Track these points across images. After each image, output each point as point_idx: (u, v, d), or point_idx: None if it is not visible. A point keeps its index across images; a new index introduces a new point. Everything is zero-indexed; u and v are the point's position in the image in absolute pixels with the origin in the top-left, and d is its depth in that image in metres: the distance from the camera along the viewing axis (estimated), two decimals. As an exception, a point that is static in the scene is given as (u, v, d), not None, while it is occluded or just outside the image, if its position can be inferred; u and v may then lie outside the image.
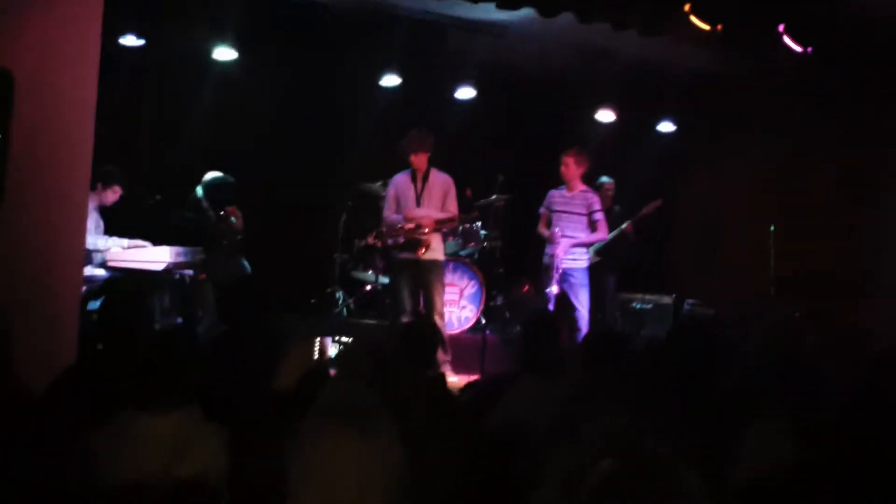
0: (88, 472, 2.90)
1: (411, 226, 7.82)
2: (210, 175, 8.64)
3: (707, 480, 1.49)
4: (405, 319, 7.72)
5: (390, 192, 8.12)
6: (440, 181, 7.95)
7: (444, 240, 8.36)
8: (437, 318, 7.78)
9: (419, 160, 7.88)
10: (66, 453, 2.92)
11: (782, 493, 2.52)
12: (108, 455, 2.93)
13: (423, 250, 7.77)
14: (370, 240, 8.25)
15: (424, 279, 7.86)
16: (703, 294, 9.89)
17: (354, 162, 10.51)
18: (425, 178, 7.94)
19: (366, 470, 1.95)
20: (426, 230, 7.79)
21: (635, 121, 10.60)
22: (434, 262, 7.90)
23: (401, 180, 8.04)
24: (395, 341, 4.21)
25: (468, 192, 9.07)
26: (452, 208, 7.98)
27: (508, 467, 2.44)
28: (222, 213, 8.39)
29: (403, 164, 8.13)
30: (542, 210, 8.63)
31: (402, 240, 7.87)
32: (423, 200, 7.90)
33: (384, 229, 7.99)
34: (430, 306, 7.85)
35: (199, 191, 8.53)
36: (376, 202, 9.95)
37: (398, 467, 2.00)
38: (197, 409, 3.11)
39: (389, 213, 8.04)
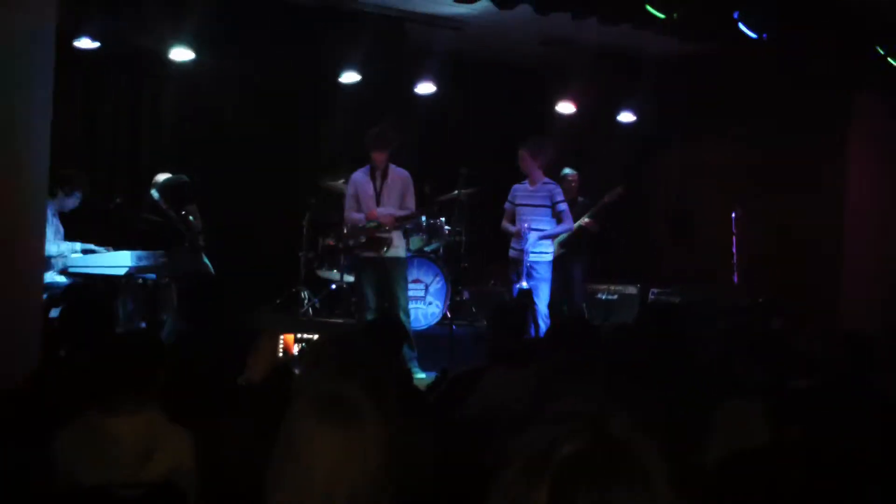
0: (55, 476, 2.86)
1: (372, 225, 7.82)
2: (161, 176, 8.51)
3: (675, 460, 1.48)
4: (370, 317, 7.70)
5: (350, 190, 8.11)
6: (399, 178, 7.95)
7: (406, 236, 8.35)
8: (402, 316, 7.76)
9: (379, 157, 7.87)
10: (31, 458, 2.87)
11: (754, 471, 2.53)
12: (74, 458, 2.90)
13: (385, 249, 7.77)
14: (330, 242, 8.22)
15: (388, 276, 7.86)
16: (669, 282, 9.94)
17: (317, 160, 10.46)
18: (384, 175, 7.93)
19: (345, 460, 1.93)
20: (387, 228, 7.79)
21: (598, 110, 10.63)
22: (396, 259, 7.91)
23: (360, 178, 8.03)
24: (361, 336, 4.19)
25: (427, 189, 9.07)
26: (411, 204, 8.01)
27: (482, 455, 2.44)
28: (183, 212, 8.29)
29: (363, 162, 8.11)
30: (506, 205, 8.63)
31: (363, 239, 7.87)
32: (382, 198, 7.90)
33: (345, 230, 7.98)
34: (394, 303, 7.84)
35: (155, 193, 8.40)
36: (339, 200, 9.90)
37: (379, 458, 1.98)
38: (160, 410, 3.08)
39: (350, 212, 8.03)
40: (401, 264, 7.99)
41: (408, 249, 8.55)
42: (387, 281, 7.87)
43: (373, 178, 7.96)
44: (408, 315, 8.00)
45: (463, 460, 2.75)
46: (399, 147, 8.04)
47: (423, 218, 9.09)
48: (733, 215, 9.36)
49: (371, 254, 7.86)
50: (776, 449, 2.74)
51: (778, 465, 2.62)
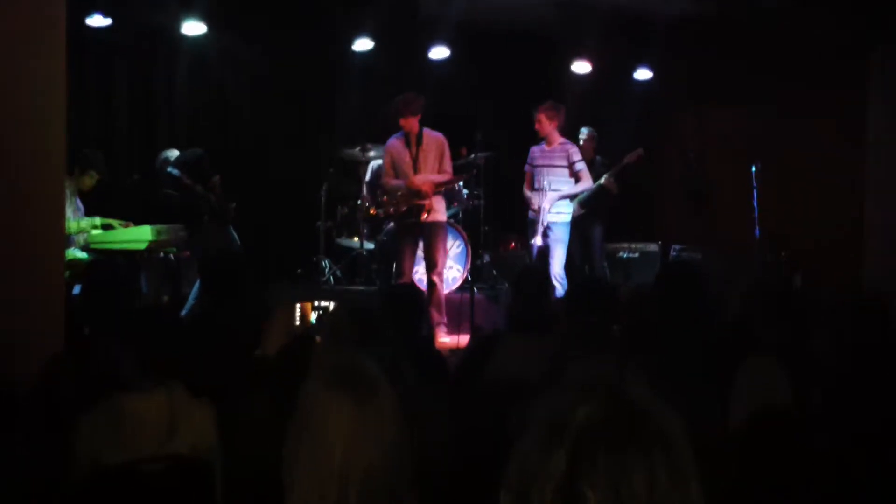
0: (81, 455, 2.89)
1: (412, 192, 7.81)
2: (172, 153, 8.50)
3: (696, 422, 1.48)
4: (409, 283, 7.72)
5: (385, 158, 8.10)
6: (434, 142, 7.92)
7: (455, 203, 8.34)
8: (435, 278, 7.81)
9: (409, 123, 7.83)
10: (57, 438, 2.90)
11: (777, 430, 2.52)
12: (99, 437, 2.92)
13: (426, 215, 7.77)
14: (372, 211, 8.21)
15: (427, 240, 7.89)
16: (689, 239, 9.90)
17: (332, 130, 10.44)
18: (419, 140, 7.89)
19: (362, 432, 1.94)
20: (429, 194, 7.77)
21: (614, 70, 10.55)
22: (437, 224, 7.92)
23: (395, 145, 8.00)
24: (380, 304, 4.20)
25: (463, 152, 9.05)
26: (448, 167, 7.99)
27: (502, 425, 2.43)
28: (209, 185, 8.28)
29: (382, 128, 8.08)
30: (526, 167, 8.62)
31: (404, 208, 7.86)
32: (419, 164, 7.87)
33: (385, 198, 7.97)
34: (430, 266, 7.87)
35: (174, 170, 8.40)
36: (357, 168, 9.91)
37: (395, 430, 1.98)
38: (182, 385, 3.10)
39: (388, 180, 8.02)
40: (441, 228, 8.00)
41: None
42: (426, 244, 7.90)
43: (408, 144, 7.93)
44: (441, 278, 8.01)
45: (482, 429, 2.75)
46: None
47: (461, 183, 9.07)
48: (753, 169, 9.27)
49: (412, 220, 7.86)
50: (799, 408, 2.74)
51: (801, 424, 2.61)
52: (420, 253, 8.03)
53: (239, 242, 8.33)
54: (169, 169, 8.34)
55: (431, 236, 7.86)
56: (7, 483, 2.73)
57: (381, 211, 8.16)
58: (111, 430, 2.94)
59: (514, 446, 1.41)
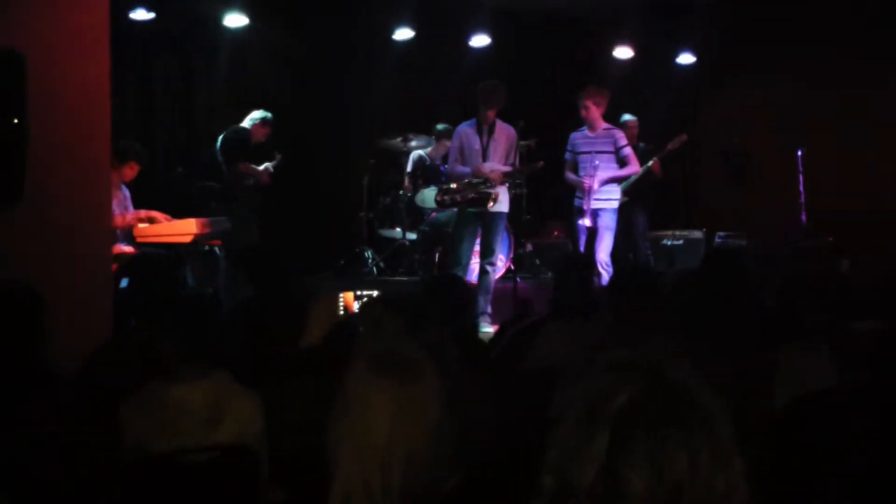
0: (123, 446, 2.93)
1: (478, 180, 7.83)
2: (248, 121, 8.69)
3: (740, 405, 1.47)
4: (461, 272, 7.74)
5: (454, 143, 8.12)
6: (505, 133, 7.94)
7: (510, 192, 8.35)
8: (488, 266, 7.85)
9: (489, 114, 7.85)
10: (105, 426, 2.95)
11: (822, 414, 2.50)
12: (143, 428, 2.96)
13: (492, 204, 7.79)
14: (438, 197, 8.22)
15: (487, 229, 7.91)
16: (734, 226, 9.80)
17: (373, 120, 10.46)
18: (491, 130, 7.91)
19: (404, 418, 1.95)
20: (494, 183, 7.79)
21: (654, 55, 10.46)
22: (500, 214, 7.94)
23: (466, 131, 8.02)
24: (424, 293, 4.21)
25: (532, 144, 9.06)
26: (515, 161, 8.00)
27: (543, 410, 2.43)
28: (235, 169, 8.35)
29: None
30: (566, 155, 8.57)
31: (471, 194, 7.89)
32: (488, 153, 7.90)
33: (454, 185, 8.00)
34: (488, 253, 7.90)
35: (219, 154, 8.50)
36: (397, 158, 9.93)
37: (438, 415, 1.99)
38: (227, 374, 3.13)
39: (454, 165, 8.05)
40: (502, 219, 8.01)
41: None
42: (486, 233, 7.92)
43: (479, 132, 7.95)
44: (494, 267, 8.04)
45: (524, 415, 2.75)
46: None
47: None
48: (799, 153, 9.16)
49: (477, 208, 7.89)
50: (843, 392, 2.71)
51: (845, 408, 2.58)
52: (477, 241, 8.06)
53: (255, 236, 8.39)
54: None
55: (493, 225, 7.89)
56: (56, 469, 2.77)
57: (447, 197, 8.15)
58: (157, 419, 2.98)
59: (554, 430, 1.41)
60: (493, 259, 7.94)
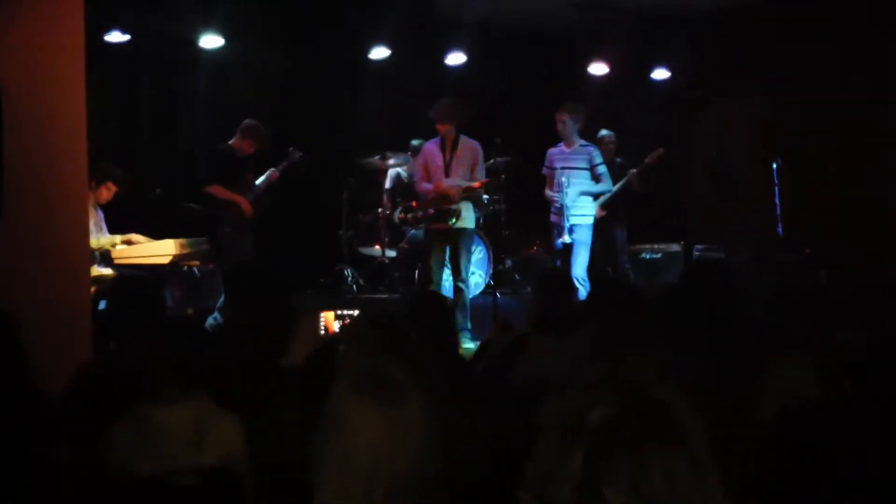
0: (109, 469, 2.90)
1: (439, 197, 7.85)
2: None
3: (718, 419, 1.47)
4: (434, 289, 7.74)
5: (420, 160, 8.18)
6: (469, 149, 7.96)
7: (475, 208, 8.36)
8: (460, 284, 7.85)
9: (445, 129, 7.87)
10: (85, 450, 2.92)
11: (806, 425, 2.51)
12: (127, 451, 2.94)
13: (454, 220, 7.80)
14: (400, 216, 8.23)
15: (453, 247, 7.91)
16: (712, 239, 9.86)
17: (352, 138, 10.47)
18: (454, 146, 7.93)
19: (388, 438, 1.94)
20: (455, 199, 7.80)
21: (631, 70, 10.53)
22: (464, 231, 7.96)
23: (430, 148, 8.07)
24: (405, 311, 4.21)
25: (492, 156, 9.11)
26: (481, 176, 8.04)
27: (528, 426, 2.43)
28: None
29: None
30: (544, 170, 8.60)
31: (432, 211, 7.90)
32: (451, 169, 7.91)
33: (414, 203, 8.02)
34: (456, 272, 7.90)
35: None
36: (376, 176, 9.94)
37: (422, 433, 1.99)
38: (207, 396, 3.11)
39: (420, 183, 8.08)
40: (468, 235, 8.03)
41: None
42: (453, 251, 7.92)
43: (443, 149, 7.97)
44: (466, 285, 8.02)
45: (510, 430, 2.75)
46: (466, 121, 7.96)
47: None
48: (774, 165, 9.23)
49: (440, 225, 7.89)
50: (827, 403, 2.72)
51: (830, 419, 2.60)
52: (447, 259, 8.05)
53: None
54: None
55: (460, 242, 7.89)
56: (40, 492, 2.75)
57: (410, 216, 8.17)
58: (139, 441, 2.96)
59: (533, 446, 1.42)
60: (464, 277, 7.92)
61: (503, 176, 8.83)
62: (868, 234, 9.38)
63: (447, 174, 7.91)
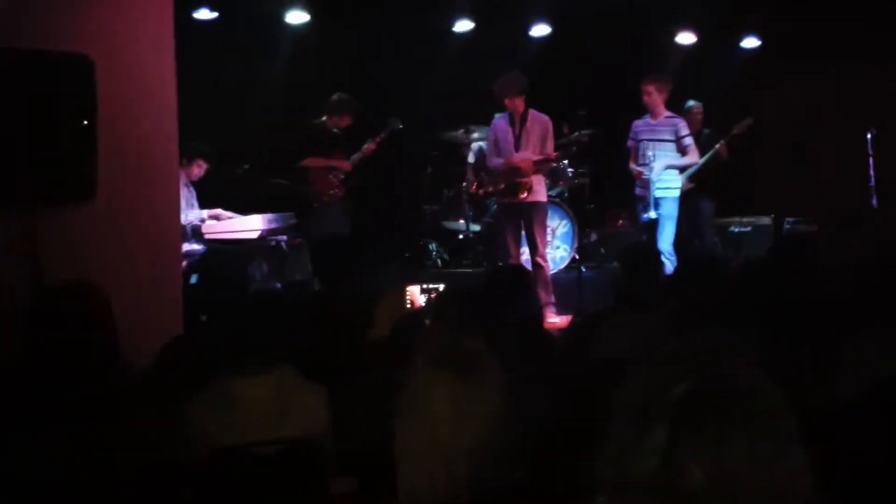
0: (197, 437, 2.98)
1: (511, 170, 7.84)
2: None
3: (801, 396, 1.45)
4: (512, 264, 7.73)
5: (490, 136, 8.18)
6: (538, 123, 7.94)
7: (548, 182, 8.33)
8: (539, 260, 7.81)
9: (514, 104, 7.87)
10: (174, 420, 3.01)
11: (890, 405, 2.45)
12: (210, 422, 3.01)
13: (525, 194, 7.78)
14: (472, 189, 8.24)
15: (527, 221, 7.88)
16: (801, 211, 9.63)
17: (435, 112, 10.48)
18: (523, 120, 7.92)
19: (466, 411, 1.96)
20: (528, 172, 7.78)
21: (717, 40, 10.32)
22: (536, 204, 7.92)
23: (499, 124, 8.07)
24: (483, 286, 4.22)
25: (566, 130, 9.02)
26: (550, 149, 7.99)
27: (607, 402, 2.42)
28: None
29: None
30: (629, 143, 8.49)
31: (503, 185, 7.90)
32: (521, 143, 7.90)
33: (485, 176, 8.03)
34: (532, 247, 7.87)
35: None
36: (460, 150, 9.94)
37: (500, 407, 2.00)
38: (293, 368, 3.17)
39: (490, 158, 8.11)
40: (541, 209, 7.98)
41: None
42: (526, 225, 7.90)
43: (512, 123, 7.97)
44: (545, 259, 7.99)
45: (588, 405, 2.75)
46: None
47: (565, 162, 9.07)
48: (868, 136, 8.96)
49: (511, 199, 7.89)
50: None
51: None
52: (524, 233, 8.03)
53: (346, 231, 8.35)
54: None
55: (532, 217, 7.86)
56: (127, 462, 2.84)
57: (482, 190, 8.18)
58: (223, 414, 3.04)
59: (613, 422, 1.41)
60: (540, 252, 7.87)
61: (574, 149, 8.76)
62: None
63: (517, 148, 7.89)
